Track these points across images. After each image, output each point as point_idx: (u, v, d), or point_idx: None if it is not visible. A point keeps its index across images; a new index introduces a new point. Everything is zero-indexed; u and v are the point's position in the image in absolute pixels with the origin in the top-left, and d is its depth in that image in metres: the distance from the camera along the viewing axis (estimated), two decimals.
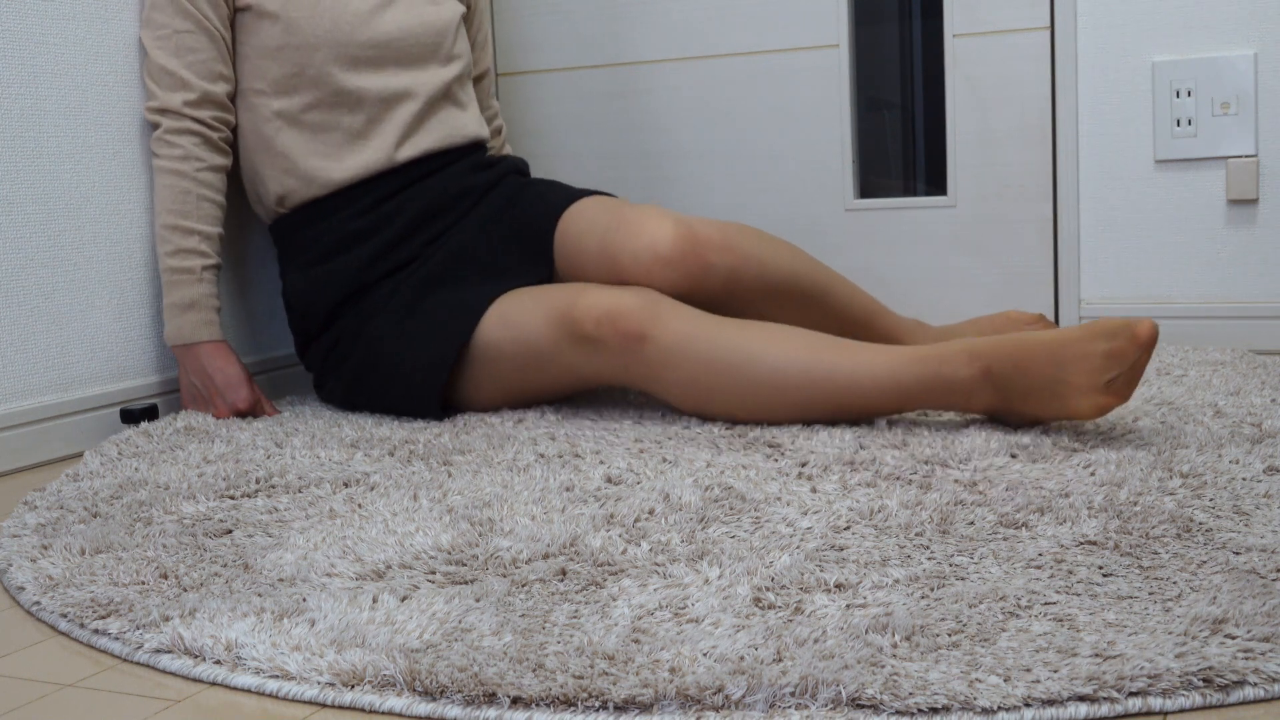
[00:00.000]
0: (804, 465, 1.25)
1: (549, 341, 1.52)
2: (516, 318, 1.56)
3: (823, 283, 1.64)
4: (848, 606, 0.88)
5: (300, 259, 1.72)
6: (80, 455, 1.62)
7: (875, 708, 0.74)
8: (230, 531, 1.15)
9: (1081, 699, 0.73)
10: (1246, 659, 0.75)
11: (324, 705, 0.81)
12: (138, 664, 0.89)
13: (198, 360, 1.67)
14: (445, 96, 1.76)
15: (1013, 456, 1.25)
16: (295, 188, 1.70)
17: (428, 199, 1.70)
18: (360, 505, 1.19)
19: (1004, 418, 1.39)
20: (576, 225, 1.64)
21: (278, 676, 0.83)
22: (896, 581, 0.92)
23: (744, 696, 0.75)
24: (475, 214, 1.71)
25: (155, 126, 1.69)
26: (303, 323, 1.72)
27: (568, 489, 1.21)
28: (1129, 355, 1.27)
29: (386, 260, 1.68)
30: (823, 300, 1.64)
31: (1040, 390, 1.33)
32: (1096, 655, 0.77)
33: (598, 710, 0.76)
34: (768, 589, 0.92)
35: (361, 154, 1.70)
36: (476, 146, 1.80)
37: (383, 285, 1.67)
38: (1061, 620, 0.83)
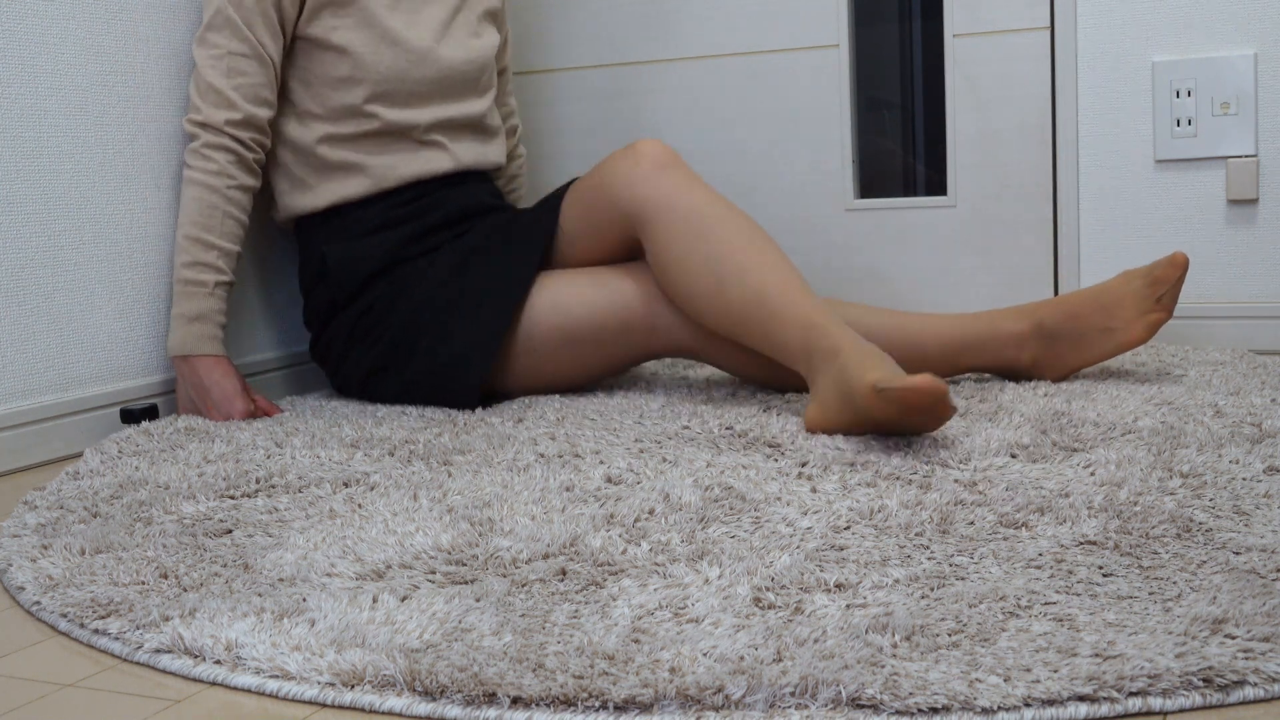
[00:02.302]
0: (804, 465, 1.25)
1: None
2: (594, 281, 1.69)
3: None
4: (848, 606, 0.88)
5: (339, 236, 1.77)
6: (80, 455, 1.62)
7: (875, 708, 0.74)
8: (230, 531, 1.15)
9: (1081, 699, 0.73)
10: (1246, 659, 0.75)
11: (324, 705, 0.81)
12: (138, 664, 0.89)
13: (195, 373, 1.68)
14: (479, 125, 1.88)
15: (1013, 456, 1.25)
16: (350, 192, 1.77)
17: (460, 203, 1.81)
18: (360, 505, 1.19)
19: (1045, 369, 1.61)
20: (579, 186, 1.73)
21: (278, 676, 0.83)
22: (896, 581, 0.92)
23: (744, 696, 0.75)
24: (496, 216, 1.83)
25: (193, 138, 1.72)
26: (334, 291, 1.75)
27: (568, 489, 1.21)
28: (1170, 277, 1.54)
29: (422, 243, 1.77)
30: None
31: (1091, 333, 1.57)
32: (1096, 655, 0.77)
33: (598, 710, 0.76)
34: (768, 589, 0.92)
35: (410, 165, 1.78)
36: (497, 170, 1.99)
37: (419, 260, 1.75)
38: (1061, 620, 0.83)
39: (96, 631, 0.94)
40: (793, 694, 0.75)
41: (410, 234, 1.76)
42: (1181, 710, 0.73)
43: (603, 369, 1.72)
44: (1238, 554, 0.94)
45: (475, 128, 1.87)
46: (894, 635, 0.81)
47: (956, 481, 1.17)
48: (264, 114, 1.73)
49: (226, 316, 1.73)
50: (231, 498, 1.26)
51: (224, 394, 1.67)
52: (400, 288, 1.72)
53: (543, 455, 1.35)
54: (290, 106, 1.78)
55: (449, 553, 1.03)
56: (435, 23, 1.80)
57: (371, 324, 1.74)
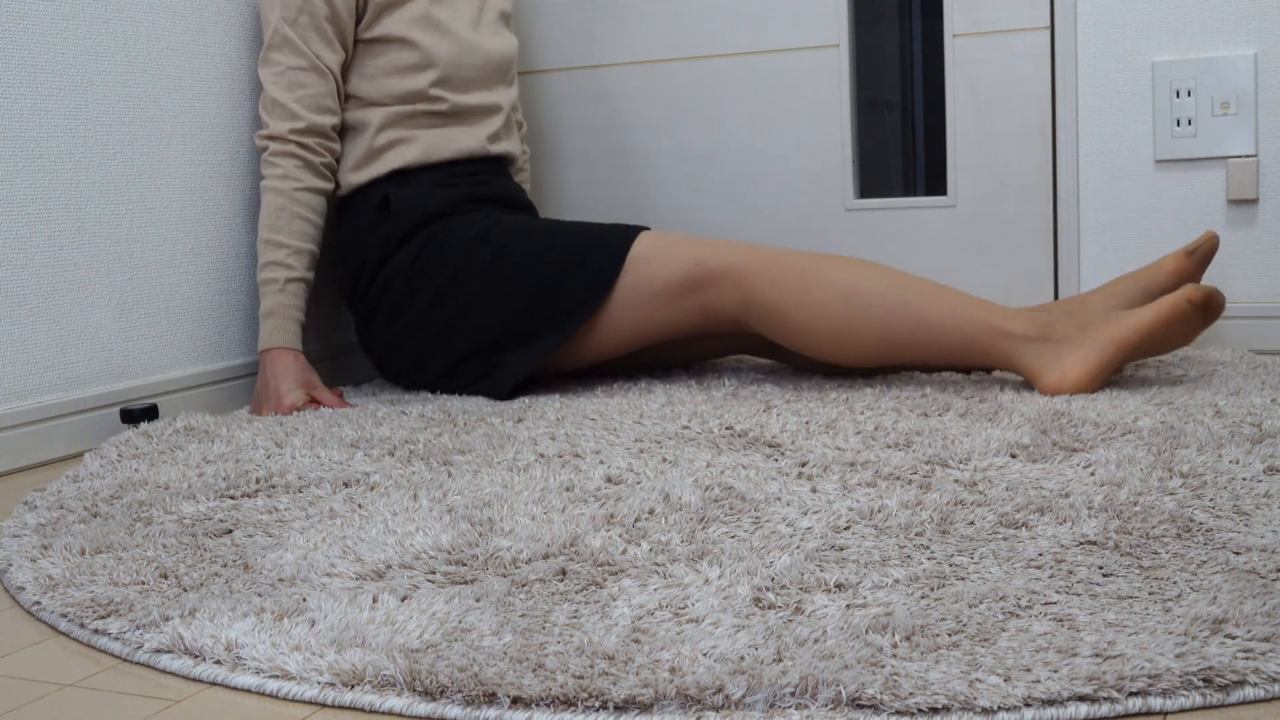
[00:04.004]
0: (804, 465, 1.25)
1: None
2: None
3: None
4: (848, 606, 0.88)
5: (396, 180, 1.85)
6: (80, 455, 1.62)
7: (875, 708, 0.74)
8: (230, 531, 1.15)
9: (1081, 699, 0.73)
10: (1246, 659, 0.75)
11: (324, 705, 0.81)
12: (138, 664, 0.89)
13: (263, 366, 1.76)
14: (510, 115, 2.01)
15: (1013, 456, 1.25)
16: (409, 159, 1.85)
17: (500, 189, 1.93)
18: (360, 505, 1.19)
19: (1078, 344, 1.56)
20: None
21: (278, 676, 0.83)
22: (896, 581, 0.92)
23: (744, 696, 0.75)
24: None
25: (263, 151, 1.82)
26: (392, 229, 1.81)
27: (568, 489, 1.21)
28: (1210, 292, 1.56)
29: (479, 202, 1.87)
30: None
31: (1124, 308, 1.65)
32: (1096, 655, 0.77)
33: (598, 710, 0.76)
34: (768, 589, 0.92)
35: (465, 141, 1.90)
36: (514, 162, 2.07)
37: (477, 211, 1.84)
38: (1061, 620, 0.83)
39: (96, 631, 0.94)
40: (793, 694, 0.75)
41: (466, 196, 1.85)
42: (1181, 710, 0.73)
43: (646, 319, 1.71)
44: (1238, 554, 0.94)
45: (506, 117, 1.99)
46: (894, 635, 0.81)
47: (956, 481, 1.17)
48: (327, 121, 1.83)
49: (303, 312, 1.79)
50: (231, 498, 1.26)
51: (275, 389, 1.73)
52: (454, 229, 1.78)
53: (543, 455, 1.35)
54: (353, 99, 1.87)
55: (449, 553, 1.03)
56: (467, 18, 1.93)
57: (432, 261, 1.78)
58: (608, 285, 1.69)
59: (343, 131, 1.87)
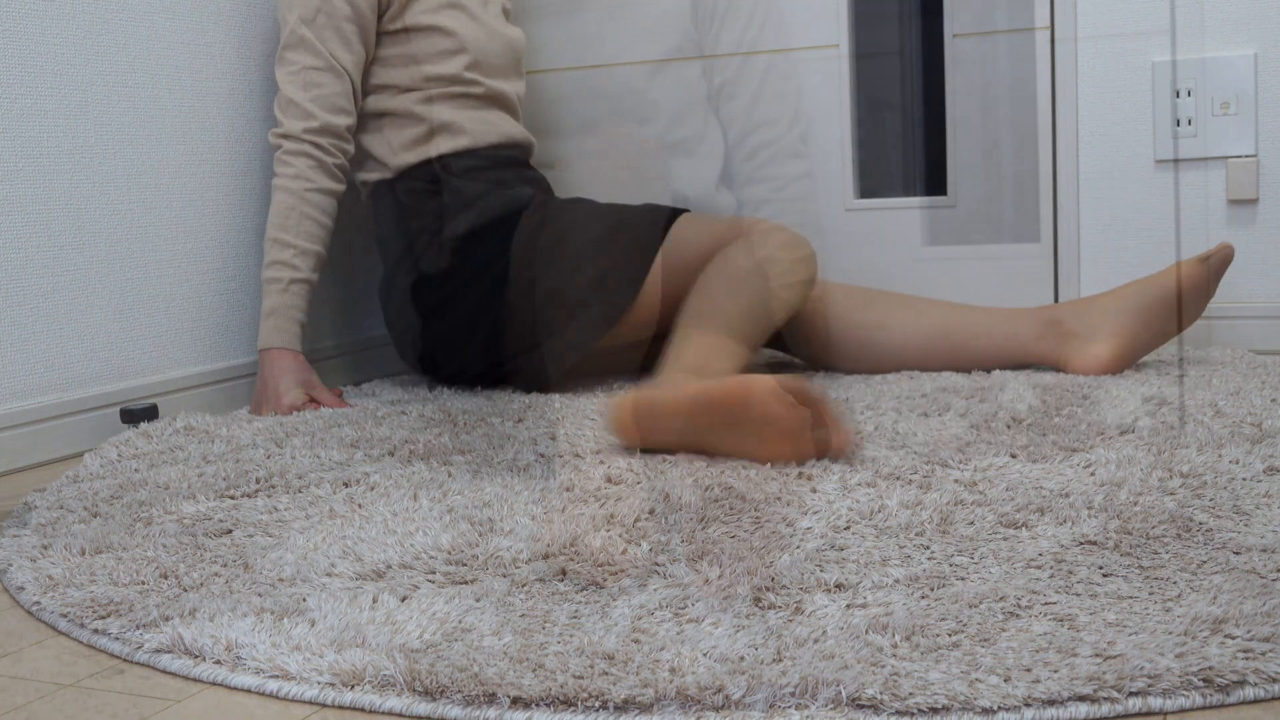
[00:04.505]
0: (804, 465, 1.25)
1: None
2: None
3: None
4: (848, 606, 0.88)
5: (446, 157, 1.87)
6: (80, 455, 1.62)
7: (875, 708, 0.74)
8: (230, 531, 1.15)
9: (1082, 699, 0.73)
10: (1246, 659, 0.75)
11: (324, 705, 0.81)
12: (138, 664, 0.89)
13: (262, 366, 1.77)
14: (522, 104, 2.04)
15: (1013, 456, 1.25)
16: (459, 145, 1.87)
17: (539, 175, 1.96)
18: (360, 505, 1.19)
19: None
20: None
21: (278, 676, 0.83)
22: (896, 581, 0.92)
23: (744, 696, 0.75)
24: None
25: (277, 149, 1.83)
26: (451, 196, 1.83)
27: (568, 489, 1.21)
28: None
29: (527, 183, 1.90)
30: None
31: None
32: (1096, 655, 0.77)
33: (598, 710, 0.76)
34: (768, 589, 0.92)
35: (503, 126, 1.92)
36: None
37: (528, 187, 1.88)
38: (1061, 620, 0.83)
39: (96, 631, 0.94)
40: (793, 694, 0.75)
41: (517, 176, 1.89)
42: (1181, 710, 0.73)
43: (673, 284, 1.73)
44: (1238, 554, 0.94)
45: (521, 109, 2.02)
46: (894, 635, 0.81)
47: (956, 481, 1.17)
48: (341, 122, 1.83)
49: (305, 314, 1.79)
50: (231, 498, 1.26)
51: (275, 389, 1.73)
52: (520, 203, 1.82)
53: (543, 455, 1.35)
54: (388, 89, 1.88)
55: (449, 553, 1.03)
56: (476, 6, 1.93)
57: (487, 229, 1.80)
58: (654, 250, 1.71)
59: (376, 119, 1.88)
